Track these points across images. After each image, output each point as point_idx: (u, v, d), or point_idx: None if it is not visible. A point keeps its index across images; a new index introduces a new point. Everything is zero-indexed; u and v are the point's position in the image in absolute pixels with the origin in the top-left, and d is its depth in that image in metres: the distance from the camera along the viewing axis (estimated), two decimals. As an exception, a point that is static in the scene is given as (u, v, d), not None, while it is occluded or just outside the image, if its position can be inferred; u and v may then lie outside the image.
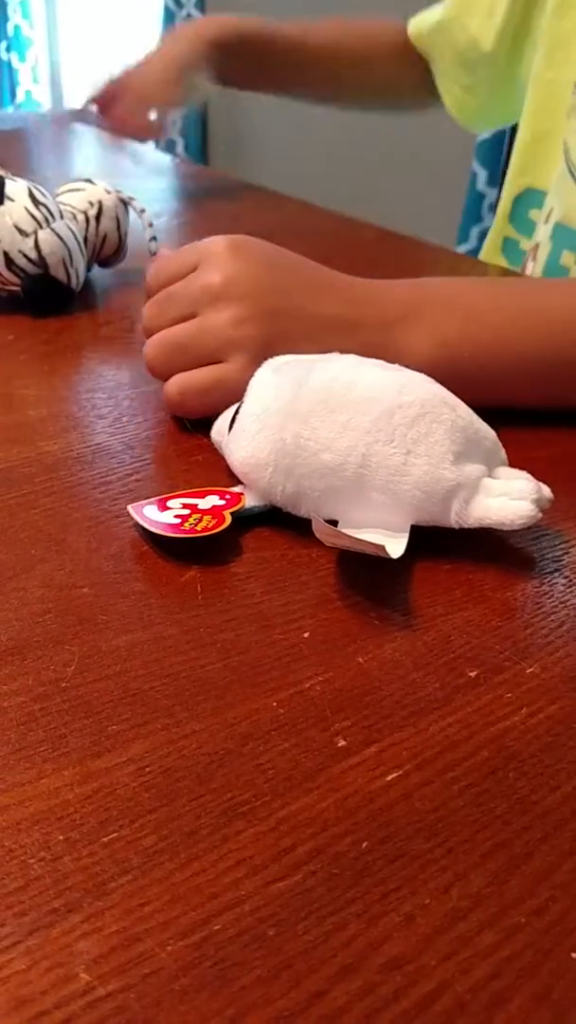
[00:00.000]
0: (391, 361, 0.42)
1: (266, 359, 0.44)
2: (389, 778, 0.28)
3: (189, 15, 2.76)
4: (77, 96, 3.61)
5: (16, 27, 3.50)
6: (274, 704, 0.30)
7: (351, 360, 0.41)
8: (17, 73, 3.55)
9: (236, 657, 0.33)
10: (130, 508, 0.40)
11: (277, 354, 0.44)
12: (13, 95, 3.59)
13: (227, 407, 0.46)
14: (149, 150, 1.23)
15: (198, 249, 0.50)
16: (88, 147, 1.30)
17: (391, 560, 0.35)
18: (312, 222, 0.94)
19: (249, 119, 2.77)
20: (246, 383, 0.42)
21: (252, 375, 0.43)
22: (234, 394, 0.44)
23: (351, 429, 0.37)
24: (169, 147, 2.96)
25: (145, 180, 1.10)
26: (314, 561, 0.38)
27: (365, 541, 0.34)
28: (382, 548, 0.34)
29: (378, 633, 0.34)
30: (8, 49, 3.53)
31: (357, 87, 1.08)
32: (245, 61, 1.00)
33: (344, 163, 2.46)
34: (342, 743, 0.29)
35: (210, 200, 1.03)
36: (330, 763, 0.28)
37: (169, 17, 2.82)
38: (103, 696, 0.31)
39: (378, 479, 0.37)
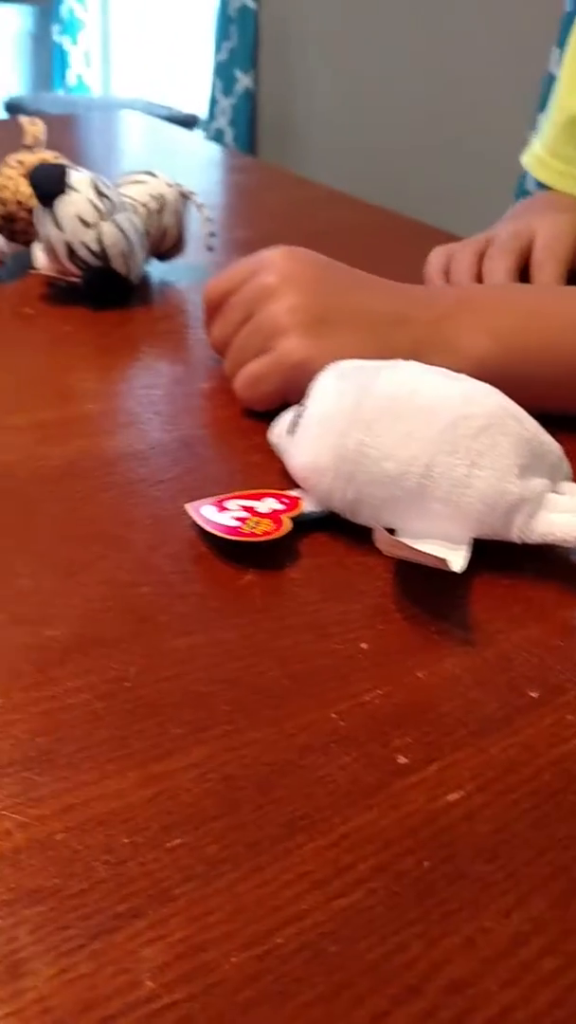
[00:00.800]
0: (441, 357, 0.42)
1: (317, 340, 0.46)
2: (451, 798, 0.28)
3: (244, 5, 2.75)
4: (126, 79, 3.62)
5: (70, 10, 3.50)
6: (333, 716, 0.30)
7: (416, 368, 0.40)
8: (69, 56, 3.56)
9: (294, 665, 0.33)
10: (188, 507, 0.40)
11: (328, 341, 0.46)
12: (64, 77, 3.60)
13: (287, 391, 0.47)
14: (197, 138, 1.24)
15: (253, 260, 0.52)
16: (136, 133, 1.30)
17: (450, 573, 0.35)
18: (365, 218, 0.94)
19: (298, 109, 2.76)
20: (302, 365, 0.44)
21: (306, 355, 0.46)
22: (291, 378, 0.46)
23: (415, 438, 0.37)
24: (217, 136, 2.96)
25: (193, 170, 1.10)
26: (371, 570, 0.38)
27: (427, 553, 0.34)
28: (444, 561, 0.34)
29: (437, 647, 0.34)
30: (61, 32, 3.53)
31: None
32: None
33: (395, 156, 2.44)
34: (403, 760, 0.29)
35: (259, 192, 1.03)
36: (391, 780, 0.28)
37: (224, 5, 2.82)
38: (164, 698, 0.31)
39: (441, 490, 0.37)
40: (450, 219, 0.96)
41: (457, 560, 0.36)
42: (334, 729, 0.30)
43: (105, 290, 0.62)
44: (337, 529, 0.40)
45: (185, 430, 0.48)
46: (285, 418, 0.44)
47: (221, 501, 0.41)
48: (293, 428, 0.42)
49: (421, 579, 0.37)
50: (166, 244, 0.68)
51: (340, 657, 0.33)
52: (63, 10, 3.51)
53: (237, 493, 0.41)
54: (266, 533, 0.38)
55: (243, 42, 2.81)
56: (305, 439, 0.40)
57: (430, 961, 0.23)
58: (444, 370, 0.41)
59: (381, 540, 0.35)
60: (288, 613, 0.35)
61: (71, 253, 0.60)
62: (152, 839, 0.26)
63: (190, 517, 0.39)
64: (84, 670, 0.32)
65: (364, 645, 0.34)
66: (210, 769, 0.28)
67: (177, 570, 0.37)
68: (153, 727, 0.30)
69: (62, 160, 0.69)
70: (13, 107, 3.10)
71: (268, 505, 0.40)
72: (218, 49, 2.90)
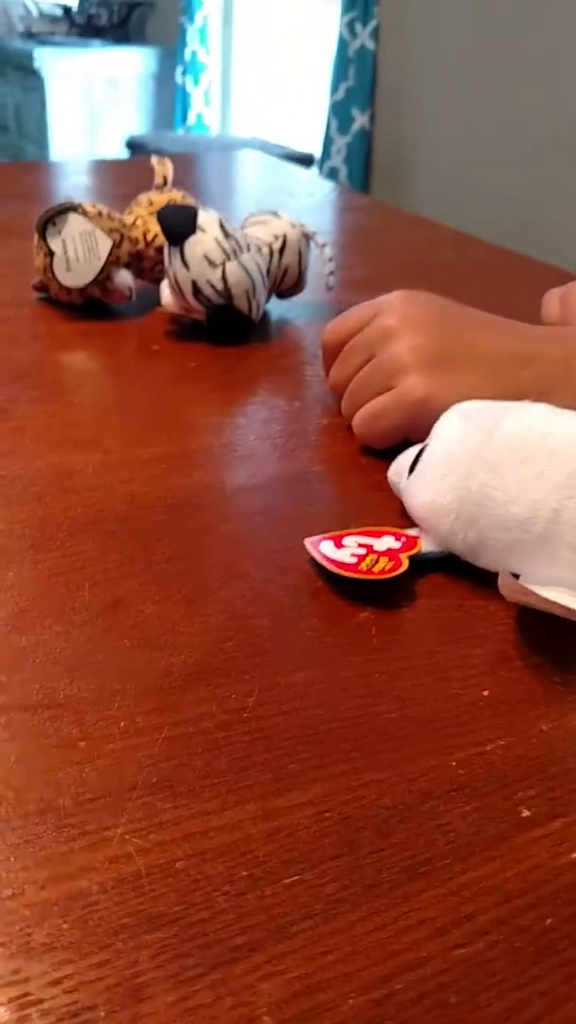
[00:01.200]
0: (571, 398, 0.41)
1: (439, 377, 0.46)
2: (575, 855, 0.27)
3: (362, 46, 2.80)
4: (243, 118, 3.71)
5: (193, 52, 3.62)
6: (453, 763, 0.30)
7: (545, 410, 0.40)
8: (190, 97, 3.68)
9: (413, 708, 0.32)
10: (307, 542, 0.40)
11: (450, 379, 0.46)
12: (185, 117, 3.71)
13: (407, 428, 0.47)
14: (313, 176, 1.26)
15: (372, 304, 0.52)
16: (254, 172, 1.33)
17: (574, 623, 0.35)
18: (483, 257, 0.94)
19: (412, 148, 2.78)
20: (424, 402, 0.45)
21: (428, 392, 0.46)
22: (412, 415, 0.47)
23: (543, 482, 0.37)
24: (331, 175, 3.01)
25: (311, 208, 1.11)
26: (491, 615, 0.38)
27: (555, 602, 0.33)
28: (573, 611, 0.33)
29: (561, 699, 0.33)
30: (184, 73, 3.65)
31: None
32: None
33: (506, 198, 2.43)
34: (526, 813, 0.28)
35: (376, 231, 1.04)
36: (513, 832, 0.28)
37: (343, 46, 2.87)
38: (283, 732, 0.31)
39: (569, 536, 0.36)
40: (571, 260, 0.95)
41: None
42: (455, 777, 0.30)
43: (227, 327, 0.63)
44: (455, 571, 0.40)
45: (303, 465, 0.49)
46: (406, 457, 0.44)
47: (339, 537, 0.41)
48: (413, 468, 0.42)
49: (545, 627, 0.37)
50: (287, 283, 0.69)
51: (461, 703, 0.33)
52: (187, 53, 3.63)
53: (355, 530, 0.42)
54: (383, 572, 0.38)
55: (360, 82, 2.85)
56: (426, 479, 0.40)
57: (552, 1021, 0.23)
58: (574, 413, 0.40)
59: (506, 585, 0.35)
60: (406, 654, 0.35)
61: (196, 291, 0.62)
62: (271, 874, 0.26)
63: (307, 551, 0.40)
64: (205, 698, 0.32)
65: (485, 692, 0.33)
66: (329, 808, 0.28)
67: (294, 603, 0.38)
68: (272, 760, 0.30)
69: (190, 200, 0.71)
70: (135, 145, 3.22)
71: (386, 543, 0.41)
72: (335, 89, 2.95)
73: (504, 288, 0.82)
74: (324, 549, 0.40)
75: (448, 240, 1.00)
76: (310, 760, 0.30)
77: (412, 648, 0.36)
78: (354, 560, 0.39)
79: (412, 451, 0.43)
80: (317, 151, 3.08)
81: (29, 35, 4.28)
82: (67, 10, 4.28)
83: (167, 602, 0.37)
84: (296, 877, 0.26)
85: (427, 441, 0.42)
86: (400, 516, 0.44)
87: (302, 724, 0.31)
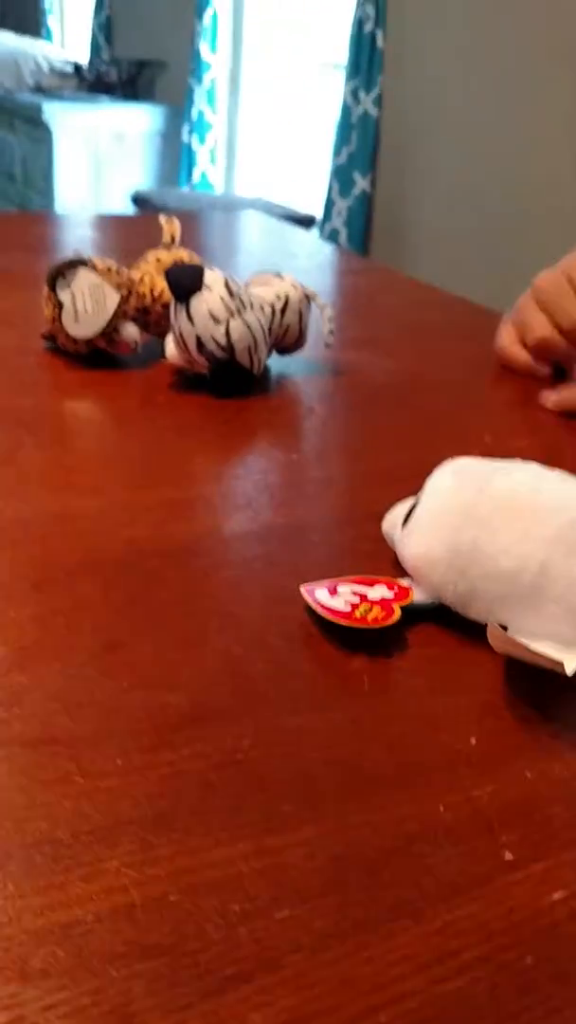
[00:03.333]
0: None
1: None
2: (556, 896, 0.28)
3: (366, 112, 2.88)
4: (245, 180, 3.80)
5: (200, 112, 3.72)
6: (441, 808, 0.31)
7: (534, 469, 0.42)
8: (196, 155, 3.77)
9: (403, 754, 0.34)
10: (303, 588, 0.42)
11: None
12: (190, 175, 3.80)
13: None
14: (314, 238, 1.29)
15: None
16: (256, 232, 1.37)
17: (562, 677, 0.36)
18: (467, 318, 0.96)
19: (412, 212, 2.85)
20: None
21: None
22: None
23: (532, 537, 0.38)
24: (332, 236, 3.07)
25: (311, 270, 1.15)
26: (480, 666, 0.39)
27: (542, 655, 0.34)
28: (560, 664, 0.34)
29: (545, 748, 0.34)
30: (191, 132, 3.75)
31: None
32: None
33: (501, 264, 2.49)
34: (509, 856, 0.29)
35: (374, 293, 1.06)
36: (497, 874, 0.29)
37: (346, 112, 2.95)
38: (276, 773, 0.32)
39: (556, 590, 0.38)
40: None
41: (572, 663, 0.36)
42: (441, 821, 0.31)
43: (230, 381, 0.65)
44: (446, 622, 0.41)
45: (299, 515, 0.51)
46: (400, 510, 0.45)
47: (334, 585, 0.42)
48: (407, 520, 0.43)
49: (532, 678, 0.38)
50: (287, 340, 0.71)
51: (449, 750, 0.34)
52: (194, 112, 3.73)
53: (350, 578, 0.43)
54: (376, 620, 0.39)
55: (362, 147, 2.93)
56: (420, 531, 0.42)
57: (531, 1059, 0.23)
58: (562, 472, 0.42)
59: (494, 636, 0.36)
60: (397, 701, 0.36)
61: (200, 346, 0.64)
62: (262, 908, 0.27)
63: (302, 597, 0.41)
64: (200, 738, 0.33)
65: (473, 740, 0.34)
66: (319, 848, 0.29)
67: (289, 649, 0.39)
68: (264, 801, 0.31)
69: (196, 259, 0.74)
70: (140, 200, 3.29)
71: (379, 592, 0.42)
72: (337, 153, 3.03)
73: (485, 345, 0.85)
74: (319, 596, 0.41)
75: (437, 301, 1.03)
76: (302, 802, 0.31)
77: (403, 696, 0.37)
78: (348, 608, 0.40)
79: (406, 504, 0.45)
80: (319, 212, 3.16)
81: (39, 90, 4.40)
82: (77, 67, 4.40)
83: (165, 644, 0.38)
84: (286, 912, 0.27)
85: (420, 496, 0.43)
86: (393, 566, 0.45)
87: (295, 767, 0.32)
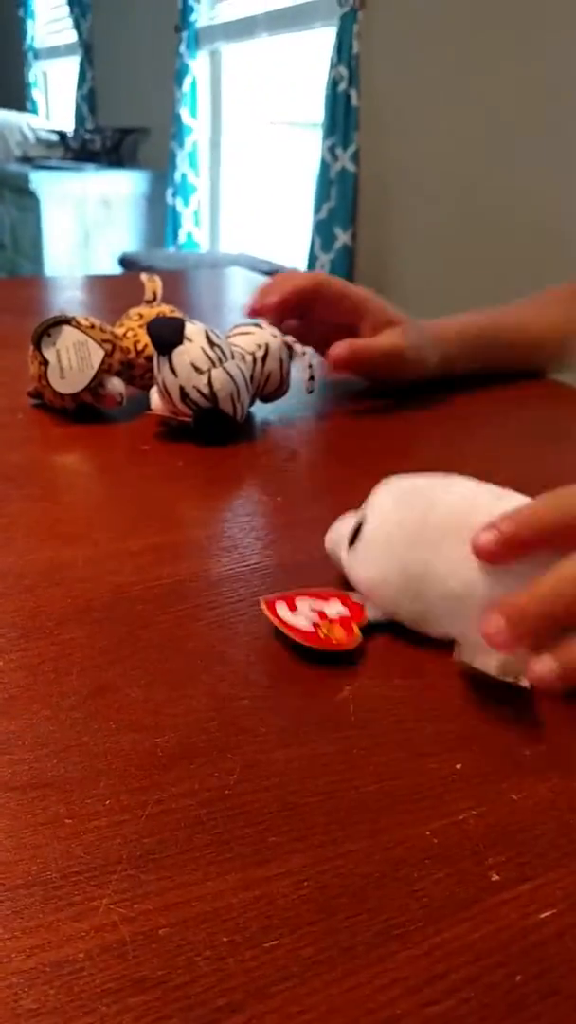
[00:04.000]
0: None
1: None
2: (543, 915, 0.28)
3: (343, 168, 2.95)
4: (230, 238, 3.87)
5: (183, 175, 3.80)
6: (427, 833, 0.31)
7: (470, 486, 0.43)
8: (181, 216, 3.84)
9: (389, 782, 0.34)
10: (262, 602, 0.43)
11: None
12: (176, 236, 3.87)
13: None
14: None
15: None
16: (241, 288, 1.39)
17: (544, 698, 0.36)
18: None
19: (393, 265, 2.90)
20: None
21: None
22: None
23: (474, 559, 0.40)
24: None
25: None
26: (464, 694, 0.39)
27: (498, 678, 0.37)
28: (518, 679, 0.36)
29: (530, 771, 0.35)
30: (175, 194, 3.83)
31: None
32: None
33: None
34: (496, 877, 0.29)
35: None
36: (484, 896, 0.29)
37: (324, 169, 3.02)
38: (263, 807, 0.32)
39: None
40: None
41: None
42: (428, 845, 0.31)
43: (213, 429, 0.66)
44: (431, 645, 0.42)
45: (285, 556, 0.51)
46: (341, 527, 0.46)
47: (292, 598, 0.44)
48: (354, 539, 0.44)
49: (513, 704, 0.38)
50: (269, 387, 0.72)
51: (435, 776, 0.34)
52: (177, 175, 3.81)
53: (305, 591, 0.45)
54: (340, 644, 0.41)
55: (342, 202, 2.99)
56: (369, 556, 0.43)
57: (522, 1076, 0.23)
58: (493, 487, 0.43)
59: (458, 661, 0.38)
60: (383, 730, 0.37)
61: (184, 396, 0.65)
62: (251, 939, 0.27)
63: (285, 633, 0.42)
64: (188, 776, 0.34)
65: (459, 765, 0.35)
66: (307, 877, 0.29)
67: (275, 684, 0.39)
68: (252, 834, 0.31)
69: (178, 314, 0.76)
70: (127, 262, 3.34)
71: (335, 608, 0.44)
72: (318, 209, 3.09)
73: (470, 389, 0.86)
74: (281, 612, 0.43)
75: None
76: (289, 832, 0.31)
77: (389, 725, 0.37)
78: (311, 627, 0.42)
79: (349, 520, 0.46)
80: (302, 267, 3.21)
81: (26, 159, 4.49)
82: (62, 136, 4.51)
83: (152, 686, 0.39)
84: (275, 942, 0.27)
85: (363, 514, 0.44)
86: (341, 582, 0.47)
87: (282, 799, 0.33)
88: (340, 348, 0.75)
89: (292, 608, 0.43)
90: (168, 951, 0.26)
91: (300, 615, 0.42)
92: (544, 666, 0.36)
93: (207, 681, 0.39)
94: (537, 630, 0.36)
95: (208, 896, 0.28)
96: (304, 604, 0.43)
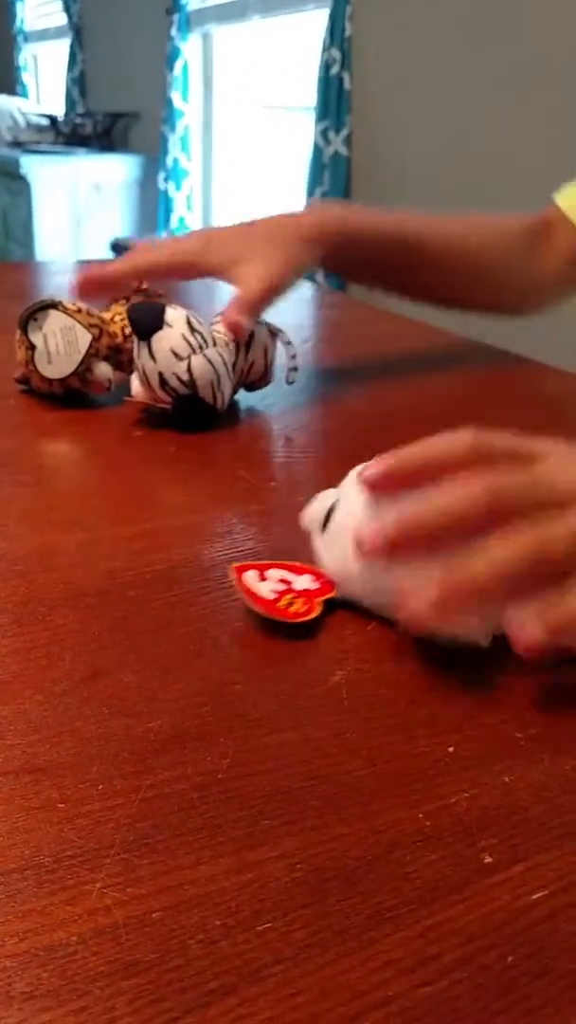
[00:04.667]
0: None
1: None
2: (535, 897, 0.28)
3: (336, 152, 2.94)
4: (223, 221, 3.86)
5: (175, 159, 3.78)
6: (420, 816, 0.31)
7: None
8: (173, 201, 3.82)
9: (382, 765, 0.34)
10: (232, 568, 0.44)
11: None
12: (168, 221, 3.85)
13: None
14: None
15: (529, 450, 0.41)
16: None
17: (537, 681, 0.36)
18: (443, 347, 0.98)
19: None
20: None
21: None
22: None
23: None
24: (308, 275, 3.11)
25: (288, 306, 1.16)
26: (458, 677, 0.39)
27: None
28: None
29: (522, 753, 0.35)
30: (167, 179, 3.81)
31: (489, 284, 0.92)
32: (352, 264, 0.88)
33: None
34: (488, 859, 0.29)
35: (350, 326, 1.08)
36: (476, 878, 0.29)
37: (317, 153, 3.00)
38: (256, 791, 0.32)
39: None
40: (540, 350, 1.00)
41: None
42: (421, 828, 0.31)
43: (192, 416, 0.66)
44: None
45: (277, 541, 0.51)
46: (320, 505, 0.45)
47: (263, 568, 0.44)
48: (326, 524, 0.44)
49: (509, 686, 0.38)
50: (253, 375, 0.72)
51: (428, 760, 0.34)
52: (168, 160, 3.79)
53: (279, 563, 0.45)
54: (296, 614, 0.41)
55: (335, 186, 2.98)
56: (337, 546, 0.43)
57: (514, 1056, 0.24)
58: None
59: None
60: (376, 714, 0.37)
61: (163, 382, 0.64)
62: (243, 922, 0.27)
63: (243, 599, 0.42)
64: (181, 761, 0.34)
65: (451, 748, 0.35)
66: (300, 860, 0.29)
67: (269, 669, 0.39)
68: (245, 818, 0.31)
69: (164, 299, 0.75)
70: (119, 247, 3.33)
71: (304, 583, 0.44)
72: (311, 193, 3.08)
73: (465, 375, 0.86)
74: (248, 578, 0.43)
75: (415, 333, 1.05)
76: (282, 816, 0.31)
77: (382, 709, 0.37)
78: (273, 596, 0.42)
79: (326, 499, 0.45)
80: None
81: (16, 144, 4.46)
82: (53, 120, 4.47)
83: (145, 671, 0.39)
84: (268, 925, 0.27)
85: (337, 498, 0.44)
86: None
87: (275, 783, 0.33)
88: (231, 314, 0.69)
89: (262, 578, 0.44)
90: (161, 934, 0.26)
91: (266, 585, 0.43)
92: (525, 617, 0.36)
93: (200, 666, 0.39)
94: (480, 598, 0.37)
95: (201, 880, 0.28)
96: (275, 574, 0.44)
